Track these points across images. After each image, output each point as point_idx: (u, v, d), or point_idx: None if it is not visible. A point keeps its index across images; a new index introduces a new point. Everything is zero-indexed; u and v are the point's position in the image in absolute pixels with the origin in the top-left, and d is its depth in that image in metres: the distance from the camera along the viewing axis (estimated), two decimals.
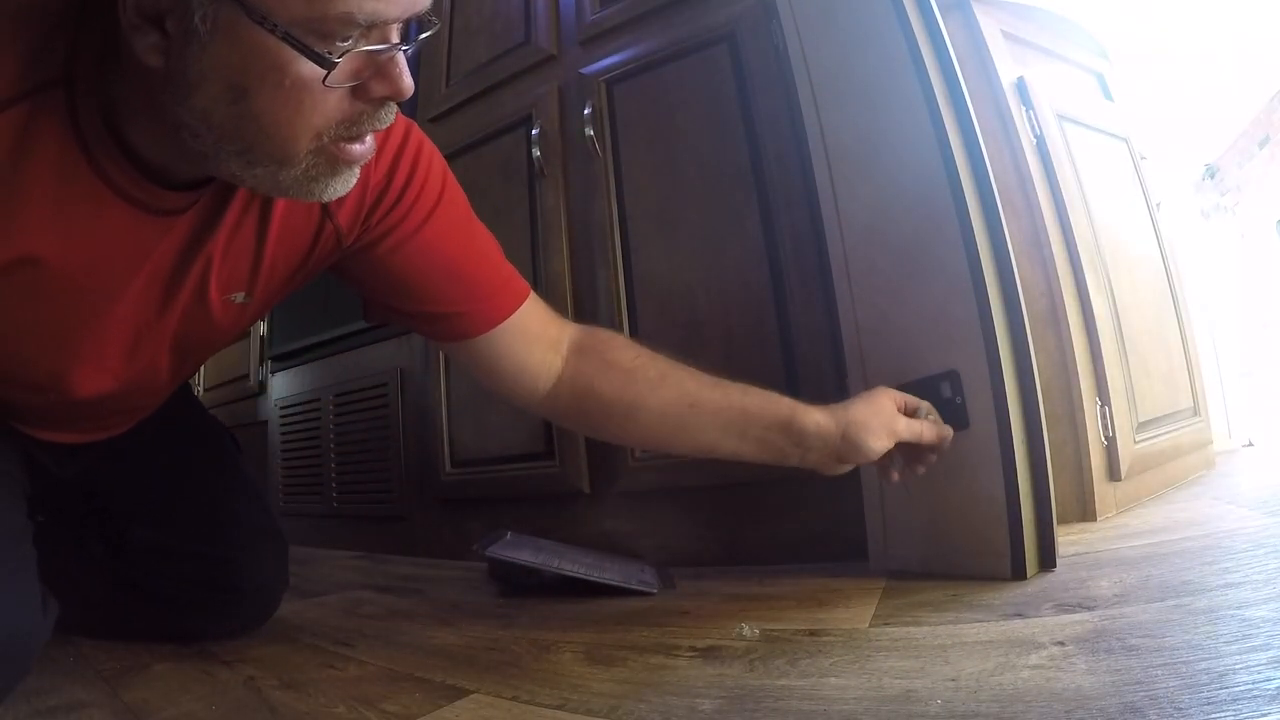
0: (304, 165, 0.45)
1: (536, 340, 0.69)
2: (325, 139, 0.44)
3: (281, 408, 1.99)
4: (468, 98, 1.58)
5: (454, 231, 0.67)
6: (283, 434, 1.98)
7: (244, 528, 0.83)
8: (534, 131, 1.39)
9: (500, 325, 0.68)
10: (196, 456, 0.86)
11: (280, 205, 0.57)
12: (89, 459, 0.77)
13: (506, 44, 1.53)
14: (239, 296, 0.59)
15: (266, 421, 2.08)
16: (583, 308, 1.31)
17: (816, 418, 0.69)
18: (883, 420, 0.70)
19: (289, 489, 1.95)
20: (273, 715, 0.55)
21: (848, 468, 0.72)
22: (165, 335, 0.59)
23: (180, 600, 0.78)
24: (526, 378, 0.68)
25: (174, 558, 0.78)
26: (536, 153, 1.37)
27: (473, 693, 0.58)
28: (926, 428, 0.73)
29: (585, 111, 1.31)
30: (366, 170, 0.55)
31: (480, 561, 1.10)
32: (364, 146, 0.47)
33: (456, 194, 0.68)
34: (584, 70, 1.38)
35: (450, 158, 1.64)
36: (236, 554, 0.80)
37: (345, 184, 0.48)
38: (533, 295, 0.72)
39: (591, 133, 1.30)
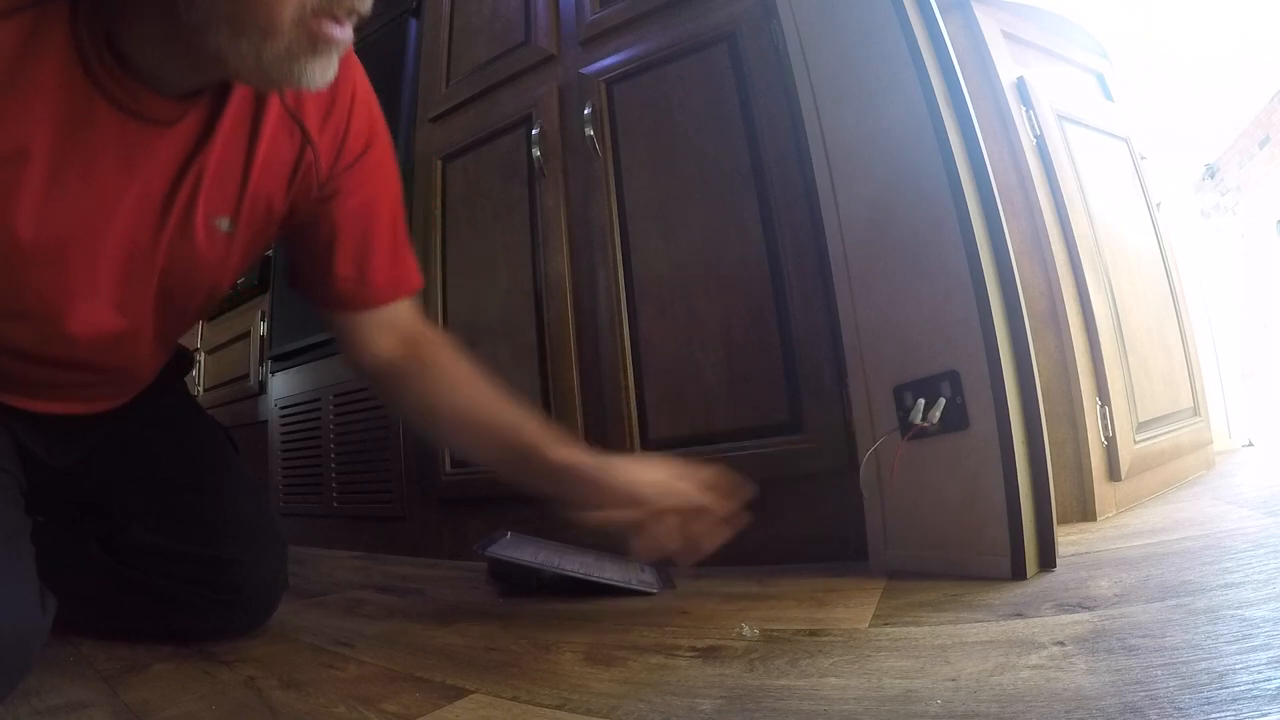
0: (287, 40, 0.46)
1: (395, 330, 0.75)
2: (307, 10, 0.46)
3: (281, 408, 1.99)
4: (468, 98, 1.58)
5: (392, 202, 0.76)
6: (283, 434, 1.97)
7: (243, 528, 0.82)
8: (534, 131, 1.39)
9: (385, 306, 0.74)
10: (193, 456, 0.86)
11: (268, 128, 0.60)
12: (83, 448, 0.77)
13: (506, 44, 1.53)
14: (223, 222, 0.61)
15: (266, 421, 2.08)
16: (583, 308, 1.31)
17: (563, 454, 0.70)
18: (649, 475, 0.69)
19: (289, 489, 1.94)
20: (273, 715, 0.55)
21: (595, 513, 0.68)
22: (155, 265, 0.60)
23: (180, 601, 0.78)
24: (368, 355, 0.75)
25: (172, 559, 0.77)
26: (536, 153, 1.37)
27: (473, 693, 0.58)
28: (693, 491, 0.69)
29: (585, 111, 1.31)
30: (344, 111, 0.64)
31: (480, 561, 1.10)
32: (343, 31, 0.49)
33: (396, 173, 0.78)
34: (584, 70, 1.38)
35: (450, 158, 1.65)
36: (236, 554, 0.79)
37: (324, 70, 0.49)
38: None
39: (591, 133, 1.30)
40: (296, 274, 0.75)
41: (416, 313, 0.78)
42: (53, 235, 0.53)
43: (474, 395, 0.76)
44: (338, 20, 0.48)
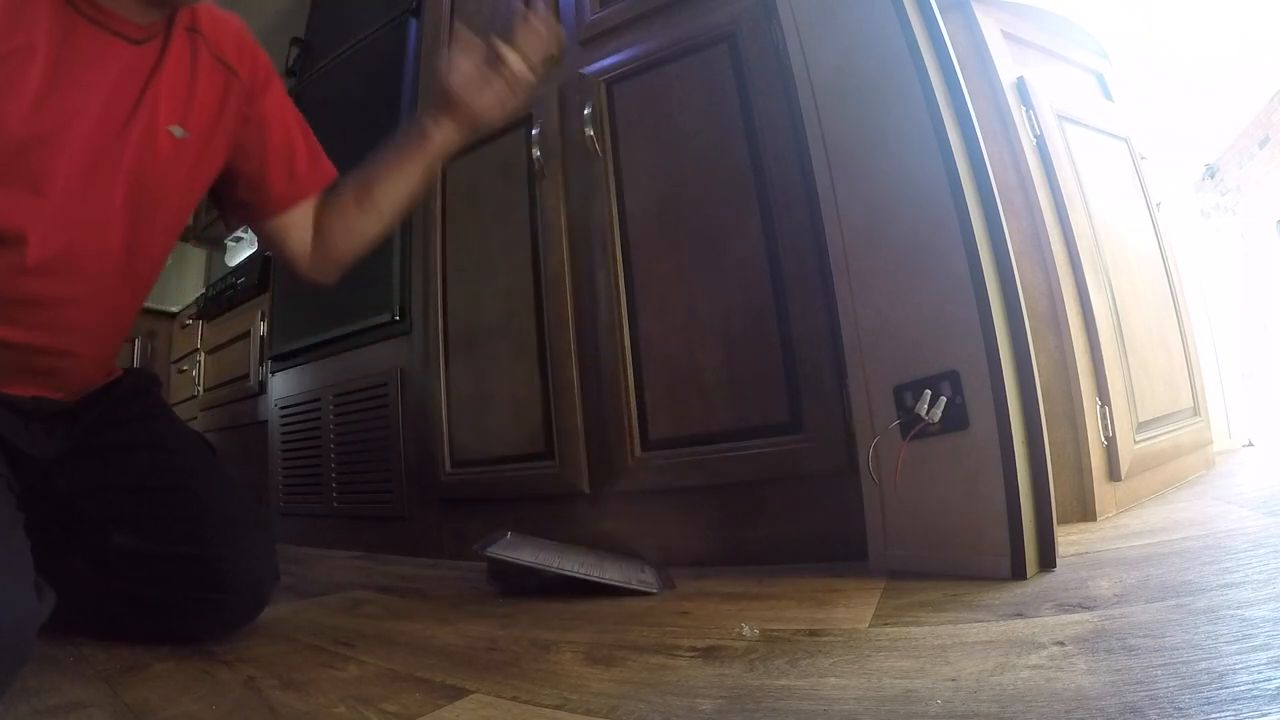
0: None
1: (311, 216, 0.90)
2: None
3: (281, 408, 1.99)
4: None
5: (299, 118, 0.93)
6: (283, 434, 1.97)
7: (225, 523, 0.81)
8: (534, 131, 1.39)
9: (312, 196, 0.90)
10: (171, 458, 0.85)
11: (203, 63, 0.77)
12: (65, 439, 0.77)
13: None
14: (177, 130, 0.74)
15: (266, 421, 2.08)
16: (583, 308, 1.31)
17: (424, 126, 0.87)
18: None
19: (289, 489, 1.94)
20: (273, 715, 0.55)
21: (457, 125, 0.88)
22: (121, 169, 0.70)
23: (169, 603, 0.77)
24: (302, 247, 0.90)
25: (157, 561, 0.77)
26: (536, 153, 1.37)
27: (473, 693, 0.58)
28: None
29: (585, 111, 1.31)
30: (250, 54, 0.83)
31: (480, 562, 1.10)
32: None
33: (291, 102, 0.94)
34: (584, 70, 1.38)
35: (450, 158, 1.65)
36: (219, 551, 0.78)
37: None
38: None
39: (591, 133, 1.30)
40: (236, 206, 0.88)
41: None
42: (45, 128, 0.63)
43: (346, 202, 0.89)
44: None
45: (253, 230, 0.92)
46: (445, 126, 0.87)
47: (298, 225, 0.89)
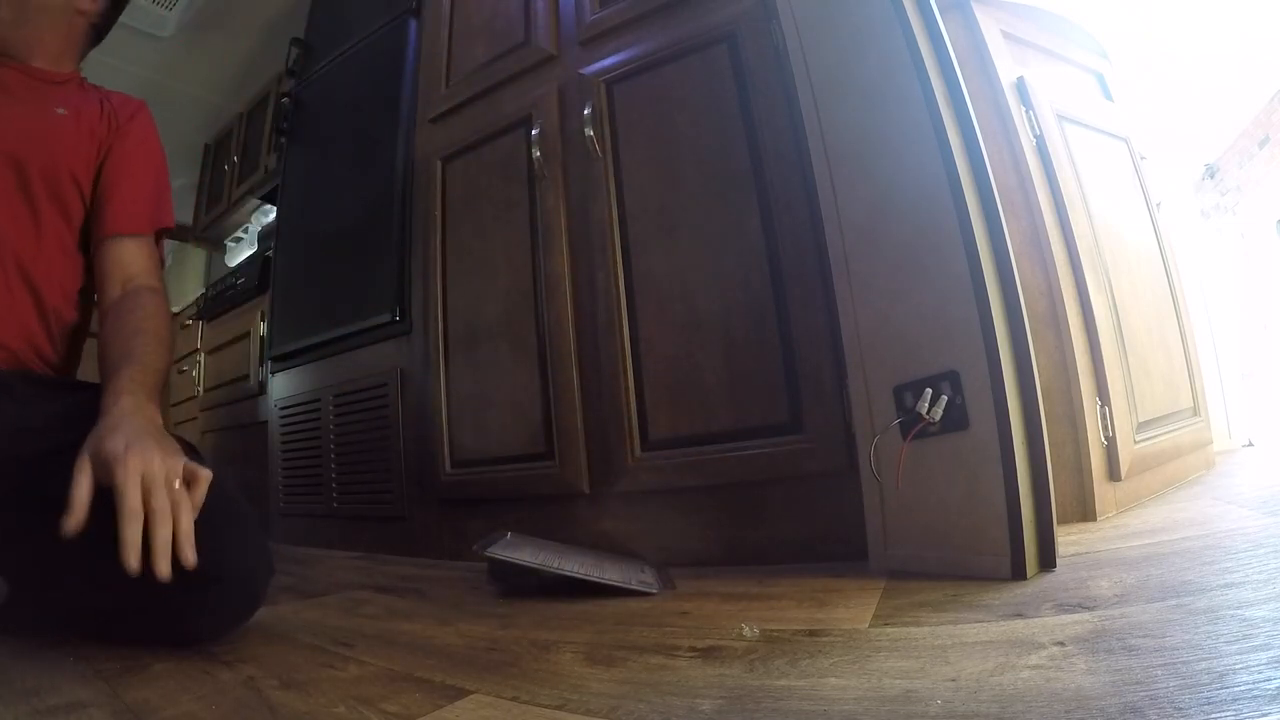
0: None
1: (129, 267, 0.94)
2: None
3: (281, 408, 1.99)
4: (468, 98, 1.58)
5: (158, 161, 1.04)
6: (283, 434, 1.97)
7: (209, 517, 0.76)
8: (534, 132, 1.39)
9: (134, 234, 0.96)
10: None
11: (90, 96, 1.01)
12: (14, 416, 0.78)
13: (506, 44, 1.53)
14: (60, 110, 0.94)
15: (266, 422, 2.08)
16: (583, 308, 1.31)
17: (110, 396, 0.76)
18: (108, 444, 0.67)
19: (289, 489, 1.94)
20: (273, 715, 0.55)
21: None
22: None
23: (158, 605, 0.74)
24: (106, 293, 0.92)
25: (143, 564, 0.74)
26: (536, 153, 1.37)
27: (473, 693, 0.58)
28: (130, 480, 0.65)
29: (585, 111, 1.31)
30: (121, 97, 1.04)
31: (480, 562, 1.10)
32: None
33: (160, 146, 1.06)
34: (584, 70, 1.38)
35: (450, 158, 1.65)
36: (205, 545, 0.73)
37: None
38: (154, 240, 1.00)
39: (591, 133, 1.30)
40: (89, 222, 0.96)
41: (155, 265, 0.98)
42: None
43: (122, 326, 0.86)
44: None
45: (93, 249, 0.97)
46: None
47: (110, 261, 0.94)
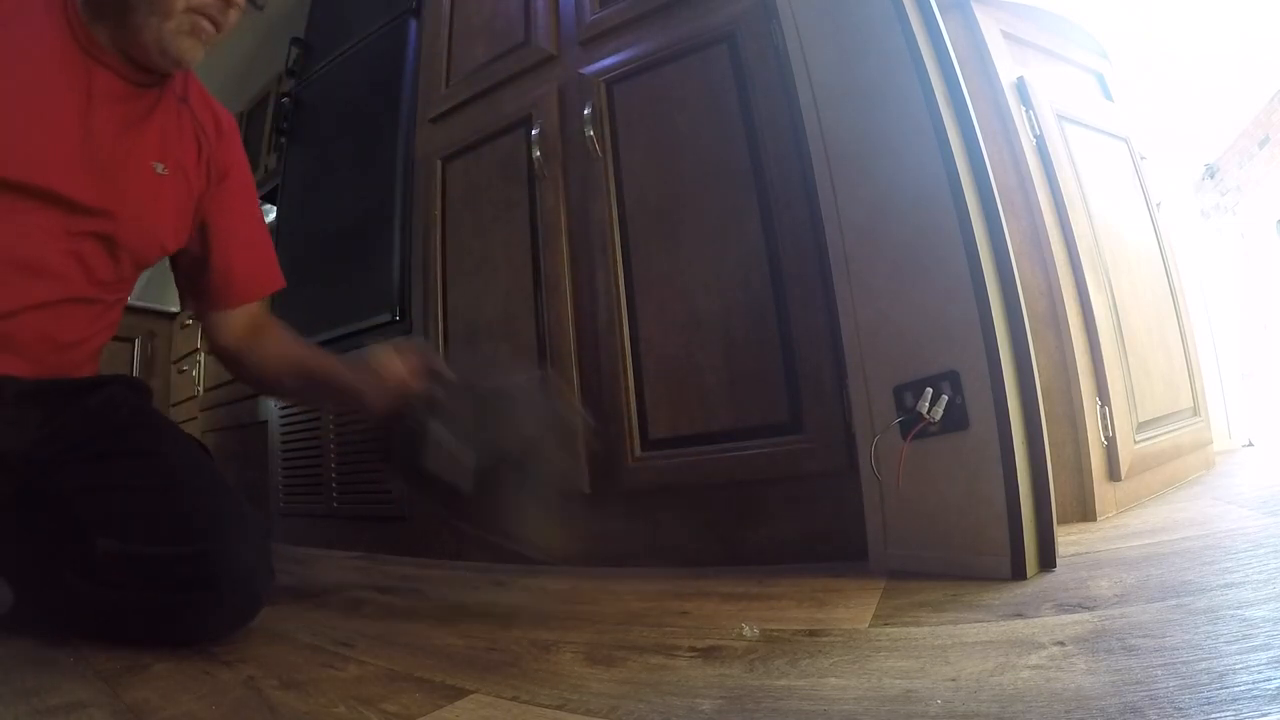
0: (175, 22, 0.74)
1: (252, 314, 0.97)
2: (189, 6, 0.74)
3: (281, 408, 1.98)
4: (468, 98, 1.58)
5: (256, 203, 1.01)
6: (283, 434, 1.97)
7: (211, 519, 0.78)
8: (534, 132, 1.39)
9: (259, 300, 0.98)
10: (154, 458, 0.83)
11: (186, 118, 0.89)
12: (39, 429, 0.77)
13: (506, 44, 1.53)
14: (159, 166, 0.84)
15: (266, 421, 2.08)
16: (583, 308, 1.31)
17: (349, 378, 0.89)
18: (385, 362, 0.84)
19: (289, 489, 1.94)
20: (273, 715, 0.55)
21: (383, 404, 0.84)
22: (117, 159, 0.79)
23: (160, 606, 0.75)
24: (232, 338, 0.96)
25: (143, 564, 0.74)
26: (536, 153, 1.37)
27: (473, 693, 0.58)
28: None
29: (585, 111, 1.31)
30: (210, 110, 0.94)
31: (478, 561, 1.10)
32: (211, 29, 0.77)
33: (243, 149, 1.00)
34: (584, 70, 1.38)
35: (450, 158, 1.65)
36: (206, 546, 0.75)
37: (196, 52, 0.78)
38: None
39: (591, 133, 1.30)
40: (195, 286, 0.95)
41: (266, 302, 1.01)
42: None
43: (293, 349, 0.96)
44: (212, 20, 0.76)
45: (201, 318, 0.98)
46: (378, 405, 0.86)
47: (235, 317, 0.96)
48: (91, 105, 0.77)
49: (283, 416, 1.98)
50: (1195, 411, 1.49)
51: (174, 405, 2.77)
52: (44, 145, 0.73)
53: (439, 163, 1.59)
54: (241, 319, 0.96)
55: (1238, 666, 0.43)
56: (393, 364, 0.83)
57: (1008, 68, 1.30)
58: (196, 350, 2.59)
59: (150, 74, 0.81)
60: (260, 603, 0.83)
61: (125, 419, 0.86)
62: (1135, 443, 1.21)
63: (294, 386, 0.98)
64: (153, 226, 0.86)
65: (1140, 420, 1.25)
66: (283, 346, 0.97)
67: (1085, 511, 1.11)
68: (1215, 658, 0.45)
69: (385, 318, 1.64)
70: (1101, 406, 1.16)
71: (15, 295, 0.75)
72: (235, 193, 0.95)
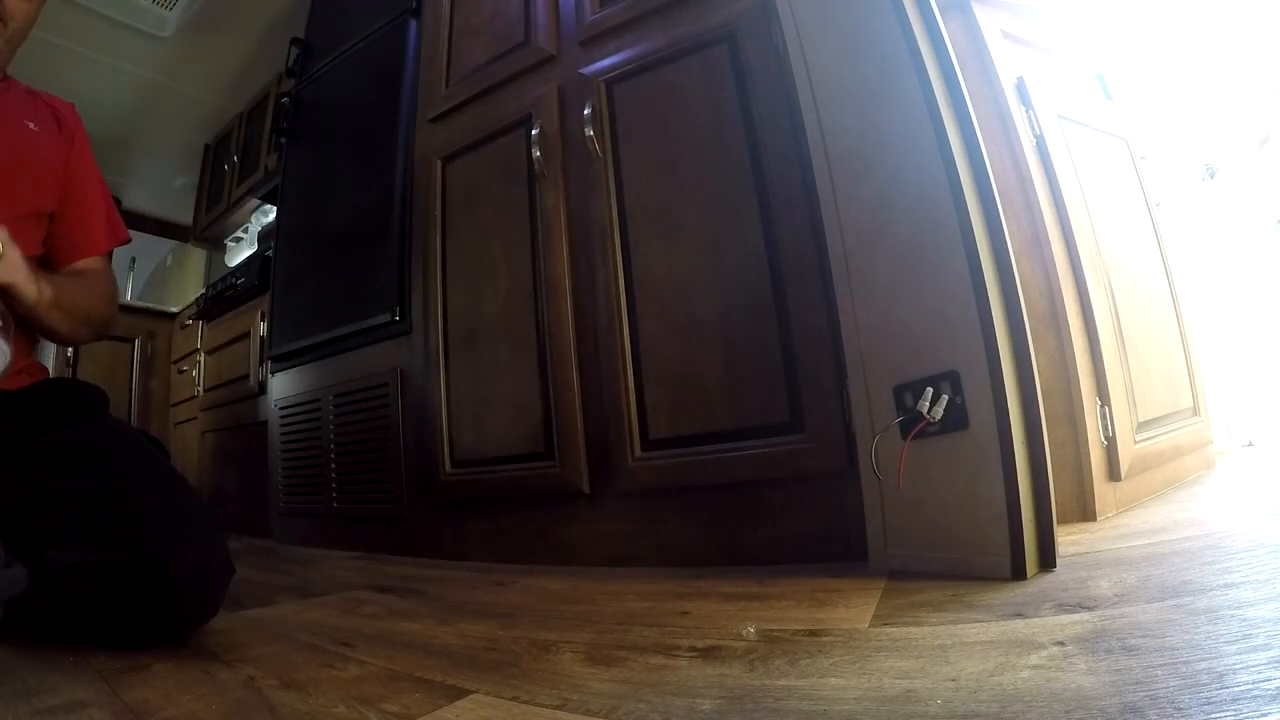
0: None
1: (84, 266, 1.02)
2: None
3: (281, 408, 1.99)
4: (468, 98, 1.58)
5: (90, 149, 1.05)
6: (283, 434, 1.97)
7: (164, 520, 0.76)
8: (534, 132, 1.39)
9: (89, 258, 1.02)
10: (108, 459, 0.81)
11: (41, 104, 1.00)
12: None
13: (506, 44, 1.53)
14: (31, 124, 0.95)
15: (266, 421, 2.08)
16: (583, 308, 1.31)
17: None
18: None
19: (289, 489, 1.94)
20: (273, 715, 0.55)
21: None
22: None
23: (116, 612, 0.73)
24: None
25: (96, 574, 0.72)
26: (536, 153, 1.37)
27: (473, 693, 0.58)
28: None
29: (585, 111, 1.31)
30: (62, 103, 1.03)
31: (480, 562, 1.10)
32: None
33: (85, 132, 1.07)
34: (584, 70, 1.38)
35: (450, 158, 1.65)
36: (161, 549, 0.73)
37: None
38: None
39: (591, 133, 1.30)
40: (52, 240, 0.98)
41: (106, 263, 1.07)
42: None
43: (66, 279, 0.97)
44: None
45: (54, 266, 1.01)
46: None
47: (74, 270, 1.00)
48: None
49: (283, 416, 1.98)
50: (1195, 411, 1.49)
51: (174, 405, 2.77)
52: None
53: (439, 163, 1.59)
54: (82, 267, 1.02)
55: (1238, 666, 0.43)
56: None
57: (1008, 67, 1.30)
58: (196, 350, 2.59)
59: None
60: (217, 600, 0.81)
61: (67, 416, 0.84)
62: (1135, 443, 1.21)
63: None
64: (51, 179, 0.95)
65: (1140, 420, 1.25)
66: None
67: (1085, 511, 1.11)
68: (1215, 658, 0.45)
69: (385, 317, 1.64)
70: (1101, 406, 1.16)
71: None
72: (86, 158, 1.03)
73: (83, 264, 1.02)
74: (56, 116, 1.01)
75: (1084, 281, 1.21)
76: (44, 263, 0.97)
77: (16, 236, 0.82)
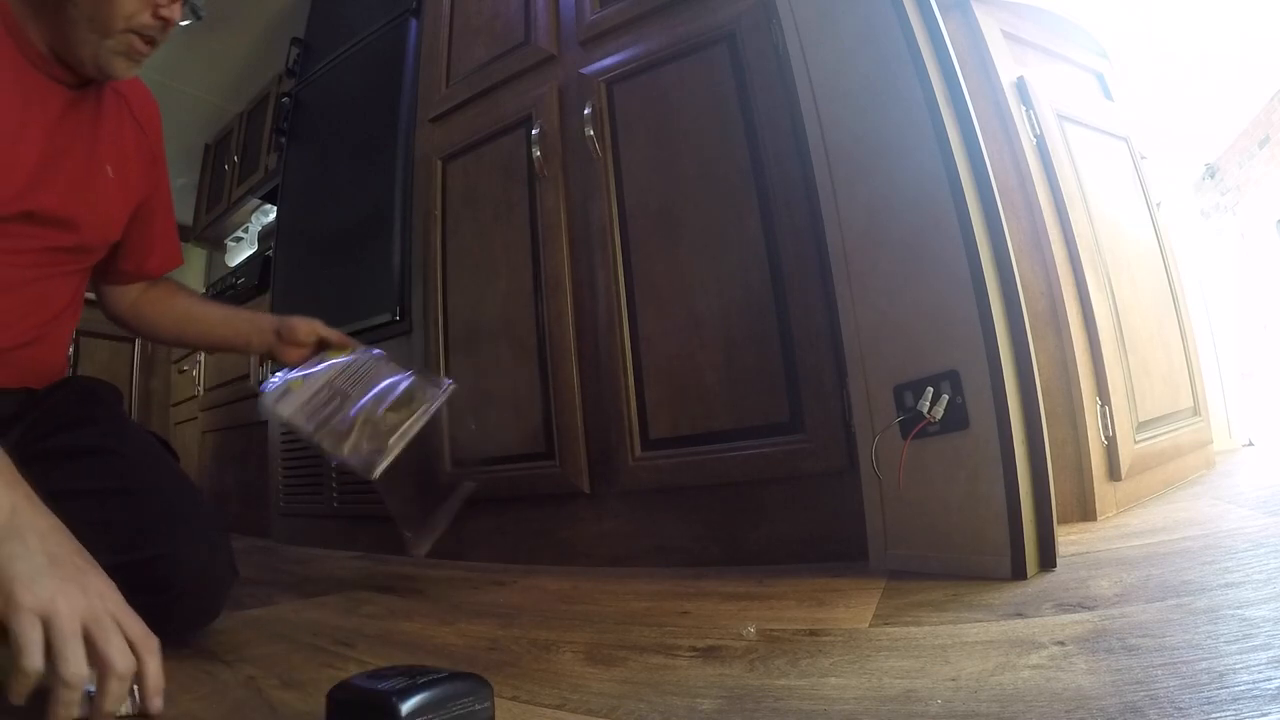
0: (114, 41, 0.73)
1: (146, 285, 1.02)
2: (133, 23, 0.73)
3: None
4: (468, 98, 1.58)
5: (166, 169, 1.01)
6: (283, 434, 1.97)
7: (166, 521, 0.76)
8: (534, 131, 1.39)
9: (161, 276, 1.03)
10: (114, 459, 0.81)
11: (126, 116, 0.90)
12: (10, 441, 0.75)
13: (506, 44, 1.53)
14: (109, 170, 0.86)
15: (266, 422, 2.08)
16: (583, 308, 1.31)
17: (226, 330, 1.06)
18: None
19: (289, 489, 1.94)
20: (273, 715, 0.55)
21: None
22: (77, 169, 0.80)
23: None
24: (127, 304, 1.01)
25: None
26: (536, 153, 1.37)
27: None
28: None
29: (585, 111, 1.31)
30: (139, 95, 0.94)
31: (479, 561, 1.10)
32: (145, 49, 0.76)
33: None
34: (584, 70, 1.38)
35: (450, 158, 1.65)
36: (161, 550, 0.73)
37: (129, 72, 0.78)
38: None
39: (591, 133, 1.30)
40: (104, 263, 0.93)
41: None
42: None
43: (179, 306, 1.04)
44: (148, 41, 0.76)
45: (99, 291, 1.00)
46: (268, 348, 1.02)
47: (135, 290, 1.02)
48: (47, 120, 0.76)
49: None
50: (1195, 411, 1.49)
51: (174, 405, 2.77)
52: (11, 167, 0.72)
53: (439, 163, 1.59)
54: (137, 287, 1.01)
55: (1238, 666, 0.43)
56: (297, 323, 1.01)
57: (1008, 67, 1.30)
58: (197, 350, 2.59)
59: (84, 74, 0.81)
60: (220, 600, 0.82)
61: (76, 416, 0.84)
62: (1135, 442, 1.21)
63: (180, 338, 1.12)
64: (111, 228, 0.89)
65: (1140, 420, 1.25)
66: (171, 306, 1.04)
67: (1085, 511, 1.11)
68: (1215, 657, 0.45)
69: (385, 318, 1.64)
70: (1101, 406, 1.16)
71: (30, 328, 0.79)
72: (162, 176, 0.99)
73: (138, 284, 1.01)
74: (138, 122, 0.92)
75: (1084, 281, 1.21)
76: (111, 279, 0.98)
77: (47, 284, 0.81)
